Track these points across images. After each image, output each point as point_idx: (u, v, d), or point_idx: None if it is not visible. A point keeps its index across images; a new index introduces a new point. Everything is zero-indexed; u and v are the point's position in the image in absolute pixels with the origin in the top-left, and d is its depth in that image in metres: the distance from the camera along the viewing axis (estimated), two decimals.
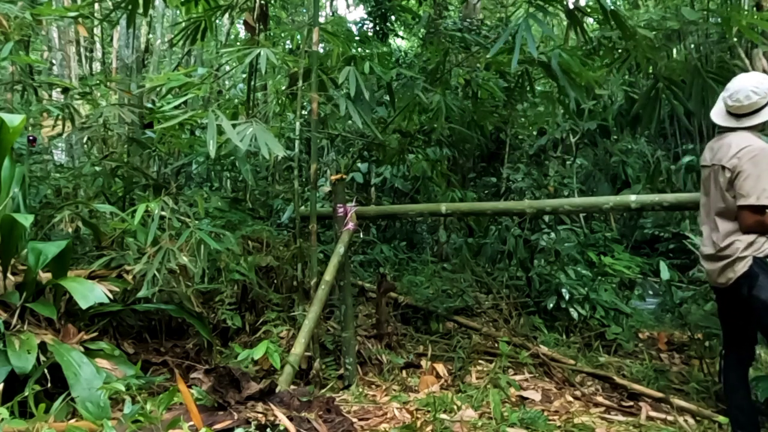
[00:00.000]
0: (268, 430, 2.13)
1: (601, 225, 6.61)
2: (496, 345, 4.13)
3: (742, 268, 2.57)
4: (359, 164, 6.03)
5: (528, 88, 4.93)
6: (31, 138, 4.12)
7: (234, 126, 3.16)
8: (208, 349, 3.59)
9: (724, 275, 2.63)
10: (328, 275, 3.53)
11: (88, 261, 3.65)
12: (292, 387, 2.97)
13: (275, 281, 4.11)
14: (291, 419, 2.23)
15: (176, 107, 3.44)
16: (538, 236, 5.18)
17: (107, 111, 4.16)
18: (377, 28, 6.88)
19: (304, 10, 8.22)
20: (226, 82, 8.00)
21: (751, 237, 2.56)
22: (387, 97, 4.71)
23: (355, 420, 2.71)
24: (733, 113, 2.67)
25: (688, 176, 6.11)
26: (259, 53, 3.51)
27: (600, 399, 3.49)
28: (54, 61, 8.12)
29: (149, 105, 5.35)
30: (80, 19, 4.55)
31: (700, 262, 2.93)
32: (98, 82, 5.66)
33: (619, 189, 7.87)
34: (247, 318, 3.85)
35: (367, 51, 5.14)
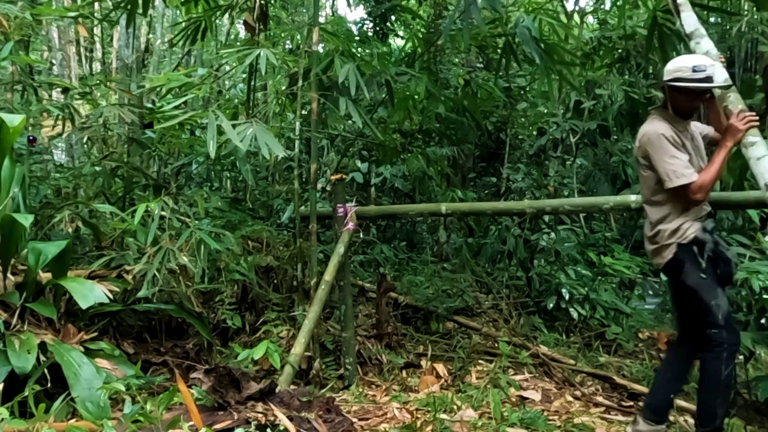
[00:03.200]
0: (268, 430, 2.13)
1: (601, 225, 6.60)
2: (496, 345, 4.13)
3: (668, 254, 2.61)
4: (359, 164, 6.03)
5: (514, 62, 4.82)
6: (31, 138, 4.11)
7: (234, 126, 3.16)
8: (208, 349, 3.59)
9: (656, 260, 2.70)
10: (328, 275, 3.53)
11: (88, 261, 3.65)
12: (292, 387, 2.97)
13: (275, 281, 4.11)
14: (291, 419, 2.23)
15: (176, 107, 3.43)
16: (538, 236, 5.18)
17: (107, 111, 4.16)
18: (377, 28, 6.87)
19: (304, 10, 8.22)
20: (226, 82, 8.00)
21: (675, 224, 2.59)
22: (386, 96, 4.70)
23: (355, 420, 2.71)
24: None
25: None
26: (259, 54, 3.51)
27: (600, 399, 3.49)
28: (54, 61, 8.11)
29: (149, 105, 5.35)
30: (80, 19, 4.55)
31: None
32: (98, 82, 5.66)
33: (619, 189, 7.85)
34: (247, 318, 3.85)
35: (367, 51, 5.15)
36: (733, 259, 2.64)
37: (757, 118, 2.50)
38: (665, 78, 2.65)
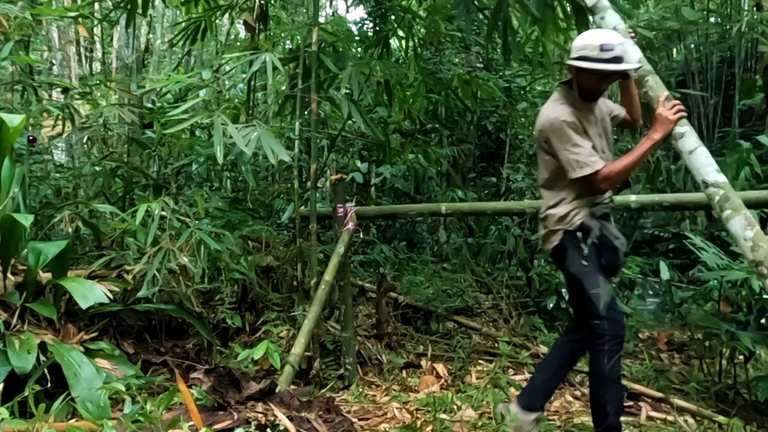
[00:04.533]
0: (268, 430, 2.13)
1: None
2: (496, 345, 4.13)
3: (554, 240, 2.52)
4: (359, 164, 6.03)
5: (505, 28, 4.73)
6: (31, 138, 4.11)
7: (238, 130, 3.15)
8: (208, 349, 3.59)
9: (545, 245, 2.63)
10: (328, 275, 3.53)
11: (88, 261, 3.65)
12: (292, 387, 2.97)
13: (275, 281, 4.11)
14: (291, 419, 2.23)
15: (183, 112, 3.41)
16: (538, 236, 5.18)
17: (107, 111, 4.16)
18: (377, 28, 6.87)
19: (304, 10, 8.22)
20: (226, 82, 8.00)
21: (564, 210, 2.48)
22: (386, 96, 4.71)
23: (355, 420, 2.71)
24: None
25: (688, 176, 6.10)
26: (264, 59, 3.48)
27: None
28: (54, 61, 8.11)
29: (149, 105, 5.35)
30: (80, 19, 4.55)
31: None
32: (98, 82, 5.66)
33: (619, 189, 7.86)
34: (247, 318, 3.85)
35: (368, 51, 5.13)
36: (621, 249, 2.49)
37: (684, 108, 2.30)
38: (571, 56, 2.41)
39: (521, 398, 2.63)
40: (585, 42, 2.37)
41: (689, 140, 2.20)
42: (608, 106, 2.67)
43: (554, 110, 2.45)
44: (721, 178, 2.11)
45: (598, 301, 2.37)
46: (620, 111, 2.71)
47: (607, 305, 2.38)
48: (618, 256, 2.49)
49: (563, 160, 2.40)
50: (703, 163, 2.15)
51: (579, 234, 2.45)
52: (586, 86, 2.44)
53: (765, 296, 3.30)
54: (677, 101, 2.30)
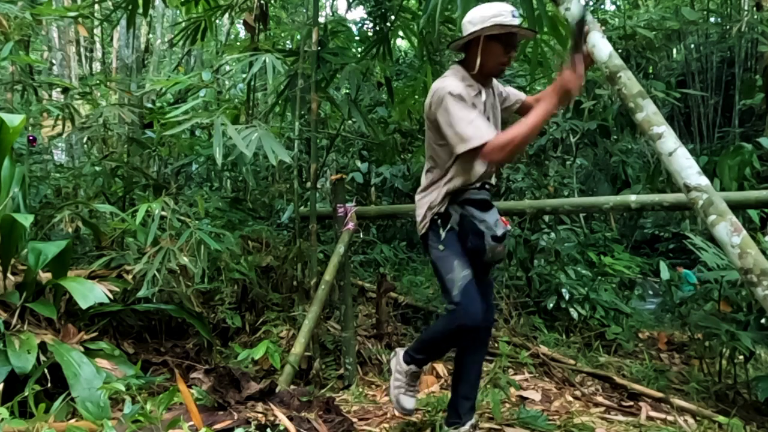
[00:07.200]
0: (268, 430, 2.13)
1: (601, 225, 6.61)
2: (496, 345, 4.12)
3: (423, 227, 2.46)
4: (359, 164, 6.04)
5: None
6: (31, 138, 4.12)
7: (239, 131, 3.14)
8: (208, 349, 3.59)
9: (418, 229, 2.52)
10: (328, 275, 3.53)
11: (88, 261, 3.65)
12: (292, 387, 2.97)
13: (275, 281, 4.11)
14: (291, 419, 2.23)
15: (183, 113, 3.41)
16: (538, 236, 5.18)
17: (107, 111, 4.17)
18: (377, 28, 6.87)
19: (304, 10, 8.22)
20: (226, 82, 8.00)
21: (435, 194, 2.40)
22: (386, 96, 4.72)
23: (355, 420, 2.71)
24: (459, 47, 2.39)
25: None
26: (265, 60, 3.48)
27: (600, 399, 3.49)
28: (54, 61, 8.12)
29: (149, 105, 5.35)
30: (80, 19, 4.56)
31: None
32: (98, 82, 5.66)
33: (619, 189, 7.87)
34: (247, 318, 3.85)
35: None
36: (487, 232, 2.34)
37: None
38: (478, 27, 2.25)
39: (406, 356, 2.57)
40: (496, 10, 2.26)
41: (668, 141, 2.03)
42: (506, 91, 2.59)
43: (443, 83, 2.29)
44: (704, 181, 1.97)
45: (452, 287, 2.28)
46: (516, 98, 2.61)
47: (462, 291, 2.26)
48: (483, 240, 2.33)
49: (449, 137, 2.24)
50: (684, 165, 1.99)
51: (438, 220, 2.40)
52: (490, 60, 2.31)
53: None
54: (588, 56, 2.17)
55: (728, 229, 1.91)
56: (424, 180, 2.50)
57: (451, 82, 2.28)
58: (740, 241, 1.89)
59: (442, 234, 2.37)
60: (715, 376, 3.68)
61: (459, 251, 2.35)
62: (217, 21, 6.39)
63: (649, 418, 3.14)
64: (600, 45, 2.20)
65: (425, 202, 2.45)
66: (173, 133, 3.44)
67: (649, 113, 2.09)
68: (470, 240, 2.35)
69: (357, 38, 5.59)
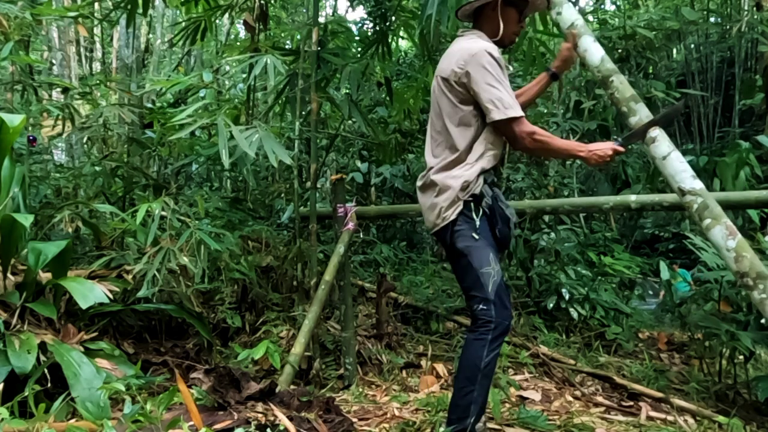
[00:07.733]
0: (268, 430, 2.13)
1: (601, 225, 6.61)
2: None
3: (451, 214, 2.13)
4: (359, 164, 6.04)
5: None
6: (31, 138, 4.12)
7: (240, 132, 3.14)
8: (208, 349, 3.59)
9: (435, 220, 2.20)
10: (328, 275, 3.53)
11: (88, 261, 3.65)
12: (292, 387, 2.97)
13: (275, 281, 4.11)
14: (291, 419, 2.23)
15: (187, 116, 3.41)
16: (538, 236, 5.18)
17: (107, 111, 4.17)
18: (377, 28, 6.88)
19: (304, 10, 8.22)
20: (226, 82, 8.00)
21: (465, 175, 2.11)
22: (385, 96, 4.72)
23: (355, 420, 2.71)
24: (468, 13, 2.25)
25: None
26: (266, 62, 3.47)
27: (600, 399, 3.49)
28: (54, 61, 8.12)
29: (149, 105, 5.35)
30: (80, 19, 4.56)
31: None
32: (98, 82, 5.66)
33: (619, 189, 7.87)
34: (247, 318, 3.85)
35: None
36: (512, 219, 2.21)
37: (623, 150, 2.09)
38: None
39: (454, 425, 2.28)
40: None
41: (661, 145, 2.04)
42: None
43: (476, 42, 2.11)
44: (698, 185, 1.97)
45: (487, 282, 2.06)
46: None
47: (496, 287, 2.07)
48: (510, 227, 2.19)
49: (484, 99, 2.03)
50: (678, 169, 2.00)
51: (472, 204, 2.12)
52: (508, 27, 2.19)
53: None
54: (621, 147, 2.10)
55: (723, 233, 1.90)
56: (437, 160, 2.19)
57: (486, 43, 2.10)
58: (735, 245, 1.88)
59: (477, 221, 2.10)
60: (715, 376, 3.68)
61: (492, 242, 2.13)
62: (217, 21, 6.39)
63: (649, 418, 3.14)
64: (592, 49, 2.21)
65: (452, 183, 2.12)
66: (176, 137, 3.44)
67: (642, 117, 2.10)
68: (499, 228, 2.15)
69: (357, 38, 5.59)
